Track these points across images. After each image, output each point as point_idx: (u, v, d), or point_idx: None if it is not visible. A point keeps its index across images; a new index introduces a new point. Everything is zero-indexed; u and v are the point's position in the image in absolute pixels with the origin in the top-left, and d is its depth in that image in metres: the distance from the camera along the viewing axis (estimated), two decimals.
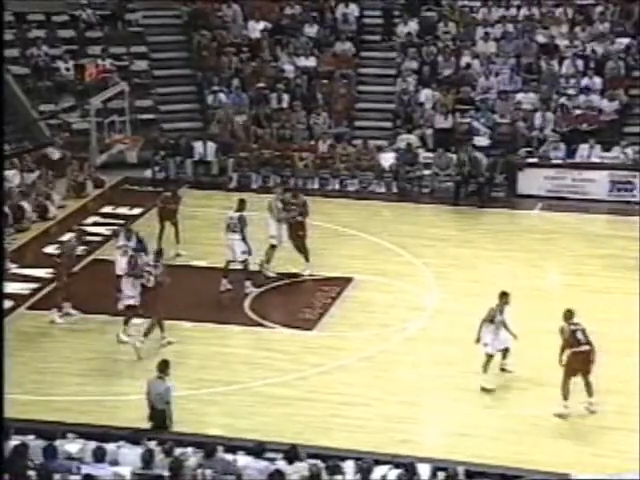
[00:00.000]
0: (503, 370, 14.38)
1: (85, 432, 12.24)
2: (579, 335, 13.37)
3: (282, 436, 12.92)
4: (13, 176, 20.09)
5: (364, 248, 18.97)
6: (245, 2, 25.77)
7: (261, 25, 25.27)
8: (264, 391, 14.22)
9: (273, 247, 17.59)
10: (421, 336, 15.87)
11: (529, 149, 22.48)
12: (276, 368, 14.78)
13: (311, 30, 25.19)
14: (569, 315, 13.66)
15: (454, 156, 21.99)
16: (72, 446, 11.71)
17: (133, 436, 11.92)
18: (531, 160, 22.05)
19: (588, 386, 13.41)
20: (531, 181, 21.63)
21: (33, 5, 25.11)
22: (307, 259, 17.70)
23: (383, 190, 22.20)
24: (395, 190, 22.18)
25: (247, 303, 16.78)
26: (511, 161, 21.97)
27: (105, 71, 24.34)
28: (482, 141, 22.63)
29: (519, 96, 23.42)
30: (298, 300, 16.91)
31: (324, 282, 17.51)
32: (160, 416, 12.57)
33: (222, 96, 24.07)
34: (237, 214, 17.01)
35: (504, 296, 14.08)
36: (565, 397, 13.43)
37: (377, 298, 17.03)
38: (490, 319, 13.92)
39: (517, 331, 15.40)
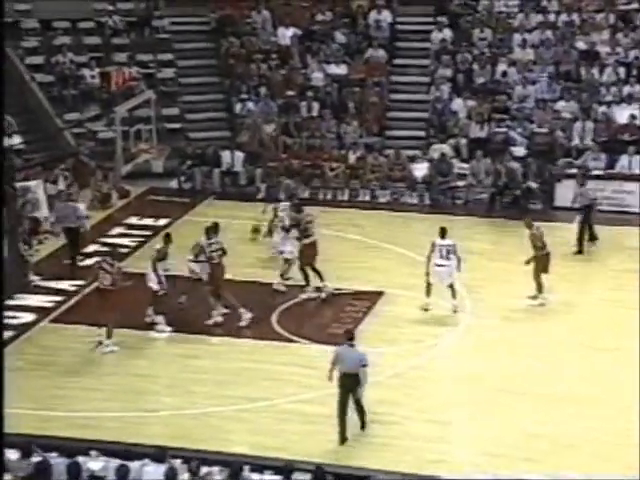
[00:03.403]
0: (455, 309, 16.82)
1: (108, 449, 12.37)
2: (545, 240, 17.25)
3: (310, 455, 13.02)
4: (36, 187, 20.27)
5: (396, 261, 19.00)
6: (275, 8, 25.94)
7: (291, 31, 25.42)
8: (292, 408, 14.30)
9: (287, 261, 17.66)
10: (453, 352, 15.90)
11: (568, 159, 22.43)
12: (304, 384, 14.84)
13: (342, 37, 25.30)
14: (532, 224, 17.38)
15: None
16: (95, 464, 11.85)
17: (157, 454, 12.02)
18: (570, 171, 22.00)
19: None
20: (570, 193, 21.53)
21: (59, 12, 25.40)
22: (321, 279, 17.46)
23: (415, 201, 22.23)
24: (428, 201, 22.21)
25: (275, 317, 16.87)
26: (549, 172, 21.93)
27: (131, 79, 24.58)
28: (519, 151, 22.61)
29: (558, 105, 23.39)
30: (327, 314, 16.98)
31: (354, 296, 17.58)
32: (353, 380, 13.32)
33: (250, 104, 24.24)
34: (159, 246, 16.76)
35: (442, 230, 16.96)
36: (540, 290, 17.08)
37: (408, 313, 17.06)
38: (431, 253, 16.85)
39: (552, 346, 15.46)
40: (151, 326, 16.47)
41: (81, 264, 18.88)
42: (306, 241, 17.44)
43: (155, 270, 16.33)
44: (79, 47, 25.29)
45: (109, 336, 15.88)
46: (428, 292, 16.92)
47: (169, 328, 16.42)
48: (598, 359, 15.45)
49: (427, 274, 16.81)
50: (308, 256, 17.45)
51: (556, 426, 13.85)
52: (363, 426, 13.71)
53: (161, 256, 16.51)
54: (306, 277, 17.49)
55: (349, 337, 13.80)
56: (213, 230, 16.82)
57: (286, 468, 11.54)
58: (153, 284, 16.39)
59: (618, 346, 15.72)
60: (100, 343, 15.92)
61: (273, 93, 24.44)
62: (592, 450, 13.31)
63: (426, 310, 16.90)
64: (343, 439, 13.47)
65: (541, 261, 17.13)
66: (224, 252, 16.71)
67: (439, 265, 16.80)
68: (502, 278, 18.18)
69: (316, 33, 25.51)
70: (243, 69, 24.99)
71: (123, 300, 16.00)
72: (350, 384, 13.43)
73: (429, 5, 25.71)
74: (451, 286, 16.88)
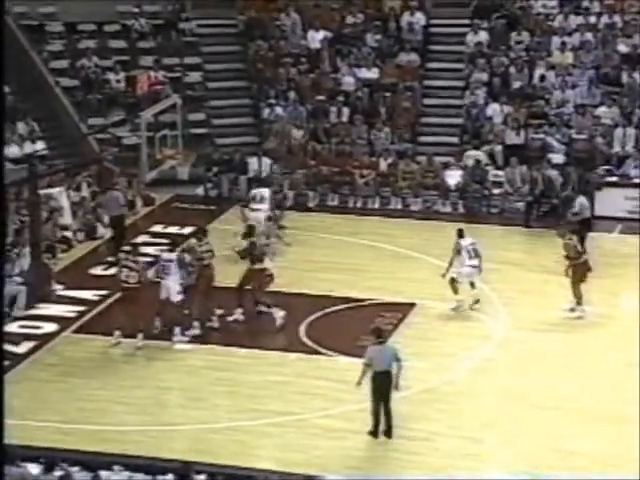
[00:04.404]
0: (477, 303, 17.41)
1: (131, 464, 12.50)
2: (579, 248, 17.35)
3: (338, 472, 13.10)
4: (59, 194, 20.48)
5: (428, 272, 19.02)
6: (304, 10, 26.06)
7: (321, 35, 25.51)
8: (320, 423, 14.38)
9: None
10: (487, 367, 15.92)
11: (608, 167, 22.37)
12: (333, 399, 14.92)
13: (373, 40, 25.39)
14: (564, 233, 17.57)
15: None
16: (118, 479, 11.97)
17: (181, 469, 12.15)
18: (610, 179, 21.97)
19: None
20: (610, 201, 21.50)
21: (84, 15, 25.66)
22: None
23: (449, 210, 22.26)
24: (462, 210, 22.23)
25: (303, 329, 16.97)
26: (589, 180, 21.88)
27: (157, 83, 24.79)
28: (557, 158, 22.58)
29: (598, 110, 23.32)
30: (357, 326, 16.97)
31: (385, 308, 17.63)
32: (385, 379, 13.63)
33: (279, 109, 24.37)
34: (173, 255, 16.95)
35: (460, 231, 17.62)
36: (579, 302, 17.06)
37: (441, 325, 17.12)
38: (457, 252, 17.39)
39: (591, 362, 15.40)
40: (164, 336, 16.57)
41: (105, 273, 19.10)
42: (256, 266, 17.13)
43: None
44: (104, 51, 25.52)
45: (140, 331, 16.21)
46: (456, 290, 17.30)
47: (186, 338, 16.55)
48: (635, 375, 15.38)
49: (445, 275, 17.29)
50: (256, 281, 17.06)
51: (593, 443, 13.84)
52: (389, 434, 13.79)
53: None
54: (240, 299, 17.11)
55: (378, 335, 14.15)
56: (203, 233, 17.24)
57: None
58: (170, 294, 16.45)
59: None
60: (119, 342, 16.19)
61: (302, 98, 24.56)
62: (631, 468, 13.27)
63: (476, 302, 17.35)
64: (375, 433, 13.74)
65: (578, 270, 17.16)
66: (212, 254, 16.94)
67: (471, 266, 17.27)
68: (538, 290, 18.18)
69: (347, 36, 25.58)
70: (271, 73, 25.12)
71: (150, 299, 16.20)
72: (382, 383, 13.63)
73: (464, 7, 25.75)
74: (472, 282, 17.37)
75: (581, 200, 19.91)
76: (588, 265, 17.31)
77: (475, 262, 17.30)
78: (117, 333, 16.40)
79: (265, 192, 20.30)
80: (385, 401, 13.77)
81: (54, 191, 20.39)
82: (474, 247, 17.38)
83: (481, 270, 17.43)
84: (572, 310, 17.19)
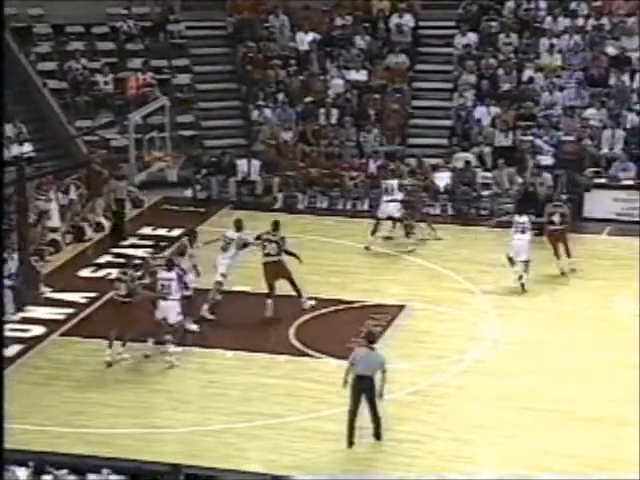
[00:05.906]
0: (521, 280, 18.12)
1: (121, 467, 12.43)
2: (555, 218, 18.88)
3: (328, 474, 13.04)
4: (46, 202, 20.35)
5: (418, 274, 19.04)
6: (293, 12, 26.04)
7: (310, 36, 25.51)
8: (310, 425, 14.34)
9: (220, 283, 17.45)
10: (478, 368, 15.89)
11: (597, 169, 22.39)
12: (322, 401, 14.89)
13: (362, 42, 25.37)
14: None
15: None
16: None
17: (171, 472, 12.07)
18: (599, 181, 21.97)
19: (567, 251, 18.93)
20: (599, 203, 21.54)
21: (72, 17, 25.58)
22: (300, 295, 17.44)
23: (438, 212, 22.23)
24: (451, 212, 22.21)
25: (292, 331, 16.92)
26: (577, 181, 21.89)
27: (145, 85, 24.72)
28: (545, 160, 22.59)
29: (586, 112, 23.36)
30: (347, 328, 16.98)
31: (375, 310, 17.61)
32: (367, 384, 13.60)
33: (267, 111, 24.34)
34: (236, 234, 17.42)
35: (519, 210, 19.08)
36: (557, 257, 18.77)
37: (431, 327, 17.10)
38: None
39: (582, 363, 15.40)
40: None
41: (93, 275, 19.02)
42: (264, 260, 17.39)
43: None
44: (92, 52, 25.44)
45: (124, 345, 15.92)
46: (512, 263, 18.26)
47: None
48: (629, 376, 15.37)
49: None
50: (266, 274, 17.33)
51: (585, 445, 13.83)
52: (378, 436, 13.75)
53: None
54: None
55: (370, 339, 14.08)
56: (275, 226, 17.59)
57: None
58: (169, 315, 15.85)
59: None
60: (110, 365, 15.87)
61: (291, 100, 24.53)
62: (625, 470, 13.26)
63: (520, 278, 18.09)
64: (350, 442, 13.62)
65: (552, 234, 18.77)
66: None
67: (518, 239, 18.18)
68: (529, 291, 18.15)
69: (335, 38, 25.57)
70: (260, 75, 25.09)
71: (140, 314, 16.01)
72: (364, 387, 13.57)
73: (452, 9, 25.75)
74: (526, 262, 18.10)
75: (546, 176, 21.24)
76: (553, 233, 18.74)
77: (521, 236, 18.13)
78: (109, 352, 15.93)
79: (395, 184, 20.36)
80: (370, 405, 13.68)
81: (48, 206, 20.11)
82: (524, 226, 18.26)
83: (529, 246, 18.13)
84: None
